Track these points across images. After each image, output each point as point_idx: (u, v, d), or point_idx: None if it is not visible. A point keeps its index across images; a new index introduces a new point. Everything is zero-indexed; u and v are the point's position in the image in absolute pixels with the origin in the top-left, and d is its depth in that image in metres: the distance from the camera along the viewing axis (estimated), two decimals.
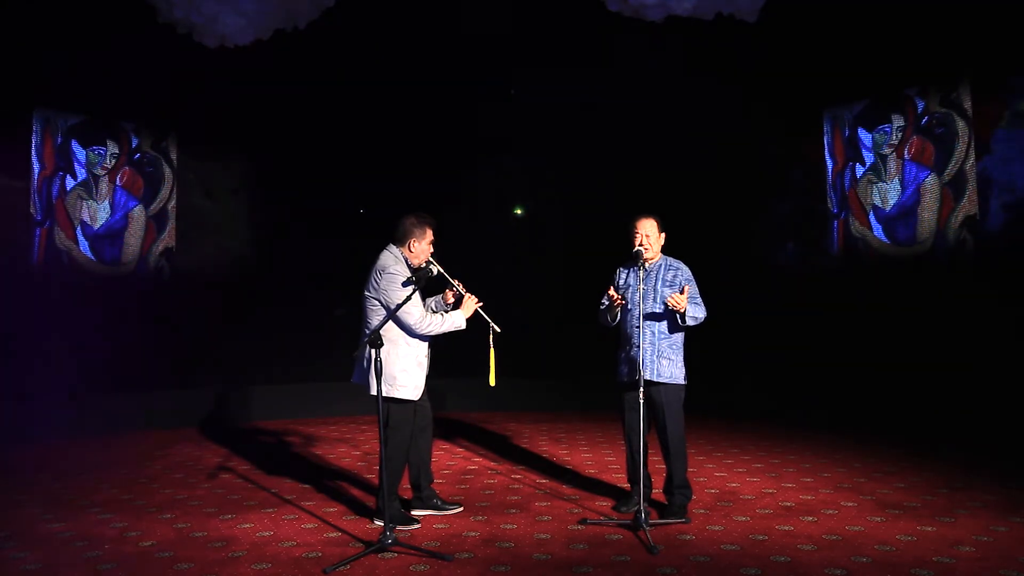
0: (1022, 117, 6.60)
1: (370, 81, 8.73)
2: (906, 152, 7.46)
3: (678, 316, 4.16)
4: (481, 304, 4.27)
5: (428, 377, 4.31)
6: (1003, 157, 6.70)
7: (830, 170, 8.09)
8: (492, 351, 4.29)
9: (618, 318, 4.37)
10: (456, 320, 4.22)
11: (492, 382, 4.38)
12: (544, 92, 8.98)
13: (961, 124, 7.01)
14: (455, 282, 4.30)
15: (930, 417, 6.58)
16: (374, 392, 3.90)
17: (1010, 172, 6.66)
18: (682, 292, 4.22)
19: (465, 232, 9.53)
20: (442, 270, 4.21)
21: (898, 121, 7.52)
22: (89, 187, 8.10)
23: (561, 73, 8.65)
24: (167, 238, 8.56)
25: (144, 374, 7.87)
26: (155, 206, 8.50)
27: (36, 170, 7.73)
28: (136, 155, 8.41)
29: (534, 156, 9.66)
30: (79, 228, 7.99)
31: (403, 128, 8.97)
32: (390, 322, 4.05)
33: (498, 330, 4.24)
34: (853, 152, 7.88)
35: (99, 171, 8.16)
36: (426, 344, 4.26)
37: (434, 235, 4.31)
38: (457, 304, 4.35)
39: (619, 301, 4.26)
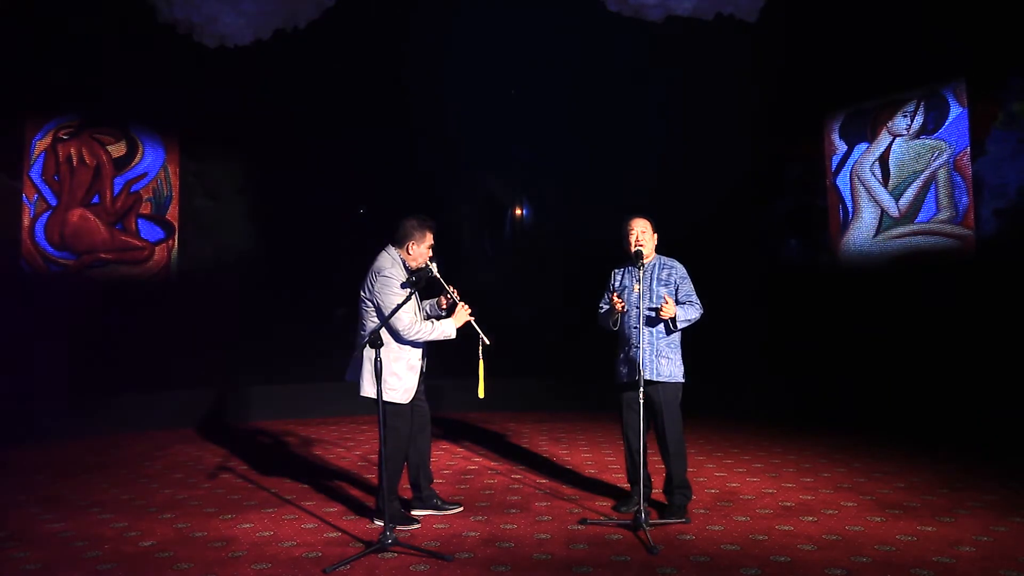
0: (1016, 118, 6.59)
1: (369, 80, 8.72)
2: (907, 151, 7.45)
3: (669, 322, 4.19)
4: (473, 316, 4.18)
5: (427, 378, 4.29)
6: (996, 158, 6.70)
7: (828, 168, 8.08)
8: (482, 363, 4.21)
9: (618, 323, 4.37)
10: (446, 329, 4.14)
11: (481, 394, 4.28)
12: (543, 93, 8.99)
13: (962, 124, 6.99)
14: (451, 288, 4.23)
15: (930, 417, 6.57)
16: (364, 393, 3.98)
17: (1002, 174, 6.66)
18: (677, 291, 4.29)
19: (464, 231, 9.54)
20: (439, 275, 4.17)
21: (899, 119, 7.51)
22: (87, 187, 8.03)
23: (560, 73, 8.66)
24: (169, 240, 8.52)
25: (144, 374, 7.86)
26: (157, 207, 8.46)
27: (30, 170, 7.62)
28: (137, 155, 8.34)
29: (534, 156, 9.65)
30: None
31: (403, 128, 8.97)
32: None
33: (488, 343, 4.15)
34: (851, 150, 7.87)
35: (99, 171, 8.09)
36: (419, 348, 4.21)
37: (434, 238, 4.26)
38: (450, 311, 4.27)
39: (620, 306, 4.26)
